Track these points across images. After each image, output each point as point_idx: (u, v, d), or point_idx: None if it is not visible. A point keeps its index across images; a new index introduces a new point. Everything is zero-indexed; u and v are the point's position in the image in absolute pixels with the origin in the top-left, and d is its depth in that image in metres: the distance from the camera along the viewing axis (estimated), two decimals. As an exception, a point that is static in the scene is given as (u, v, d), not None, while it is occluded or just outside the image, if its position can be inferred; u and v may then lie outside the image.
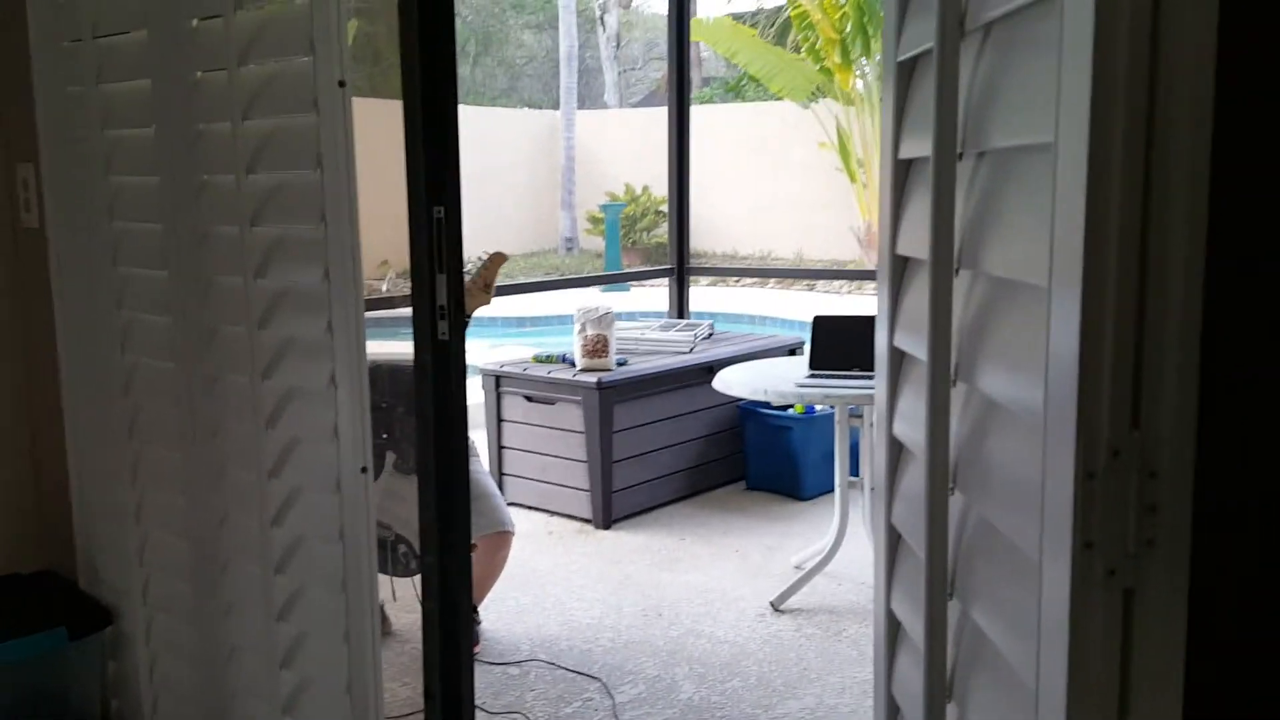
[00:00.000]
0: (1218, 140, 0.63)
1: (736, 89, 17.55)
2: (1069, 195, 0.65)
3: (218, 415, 1.99)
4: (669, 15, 5.87)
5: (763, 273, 14.60)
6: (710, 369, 4.41)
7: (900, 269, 1.04)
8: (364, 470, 1.76)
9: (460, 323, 1.75)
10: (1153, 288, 0.64)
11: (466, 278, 3.20)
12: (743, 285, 14.34)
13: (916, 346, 0.94)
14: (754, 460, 5.06)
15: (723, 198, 14.74)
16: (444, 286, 1.72)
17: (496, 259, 3.27)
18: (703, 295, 12.67)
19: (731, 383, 3.99)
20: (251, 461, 1.92)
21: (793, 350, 5.27)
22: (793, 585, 3.76)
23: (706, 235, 15.11)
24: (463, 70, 22.73)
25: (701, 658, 3.33)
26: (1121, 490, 0.67)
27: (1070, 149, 0.65)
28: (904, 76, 1.01)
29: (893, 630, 1.08)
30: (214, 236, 1.92)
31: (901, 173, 1.02)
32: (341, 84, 1.66)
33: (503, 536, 3.41)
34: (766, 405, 4.80)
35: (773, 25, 16.41)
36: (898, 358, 1.04)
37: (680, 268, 5.86)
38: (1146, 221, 0.64)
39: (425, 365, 1.78)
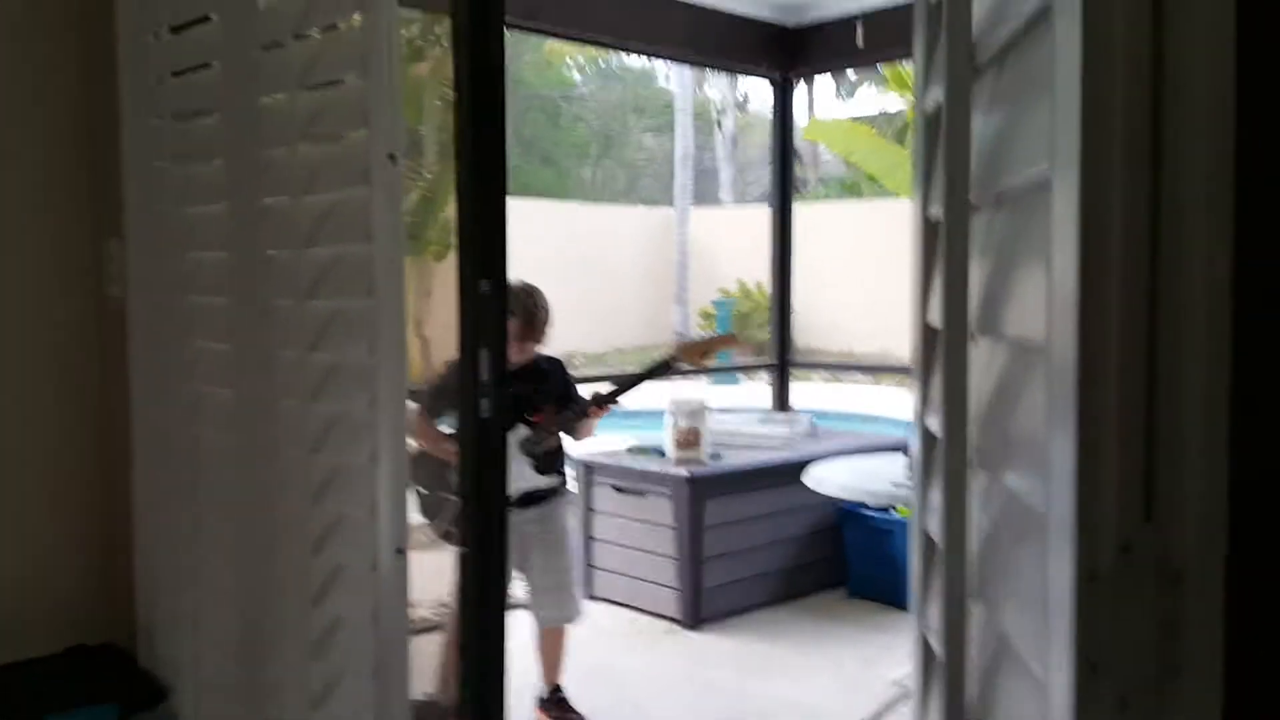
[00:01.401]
0: (1239, 159, 0.52)
1: (853, 187, 17.52)
2: (1063, 236, 0.54)
3: (272, 489, 1.97)
4: (774, 116, 5.89)
5: (860, 368, 14.20)
6: (808, 465, 4.25)
7: (931, 341, 0.92)
8: (399, 552, 1.70)
9: (504, 400, 1.69)
10: (1165, 342, 0.52)
11: (695, 338, 3.48)
12: (857, 382, 14.04)
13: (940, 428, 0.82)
14: (855, 565, 4.81)
15: (838, 294, 14.57)
16: (487, 362, 1.67)
17: (727, 340, 3.55)
18: (815, 392, 12.43)
19: (824, 480, 3.83)
20: (298, 537, 1.88)
21: (898, 449, 5.05)
22: (890, 703, 3.51)
23: (821, 332, 14.92)
24: (584, 171, 23.43)
25: (787, 776, 3.12)
26: (1134, 597, 0.53)
27: (1064, 183, 0.54)
28: (931, 130, 0.91)
29: (927, 758, 0.93)
30: (274, 310, 1.93)
31: (931, 235, 0.92)
32: (391, 157, 1.66)
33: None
34: (867, 505, 4.58)
35: (893, 128, 16.40)
36: (930, 442, 0.92)
37: (781, 361, 5.74)
38: (1155, 264, 0.52)
39: (466, 443, 1.72)
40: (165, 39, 2.17)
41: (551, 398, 3.34)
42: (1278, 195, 0.54)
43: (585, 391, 3.46)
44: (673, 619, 4.41)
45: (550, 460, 3.34)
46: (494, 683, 1.80)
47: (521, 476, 3.27)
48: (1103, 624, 0.53)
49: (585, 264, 15.65)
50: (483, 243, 1.68)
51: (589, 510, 4.70)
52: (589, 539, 4.71)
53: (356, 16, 1.67)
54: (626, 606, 4.58)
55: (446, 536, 3.20)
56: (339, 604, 1.80)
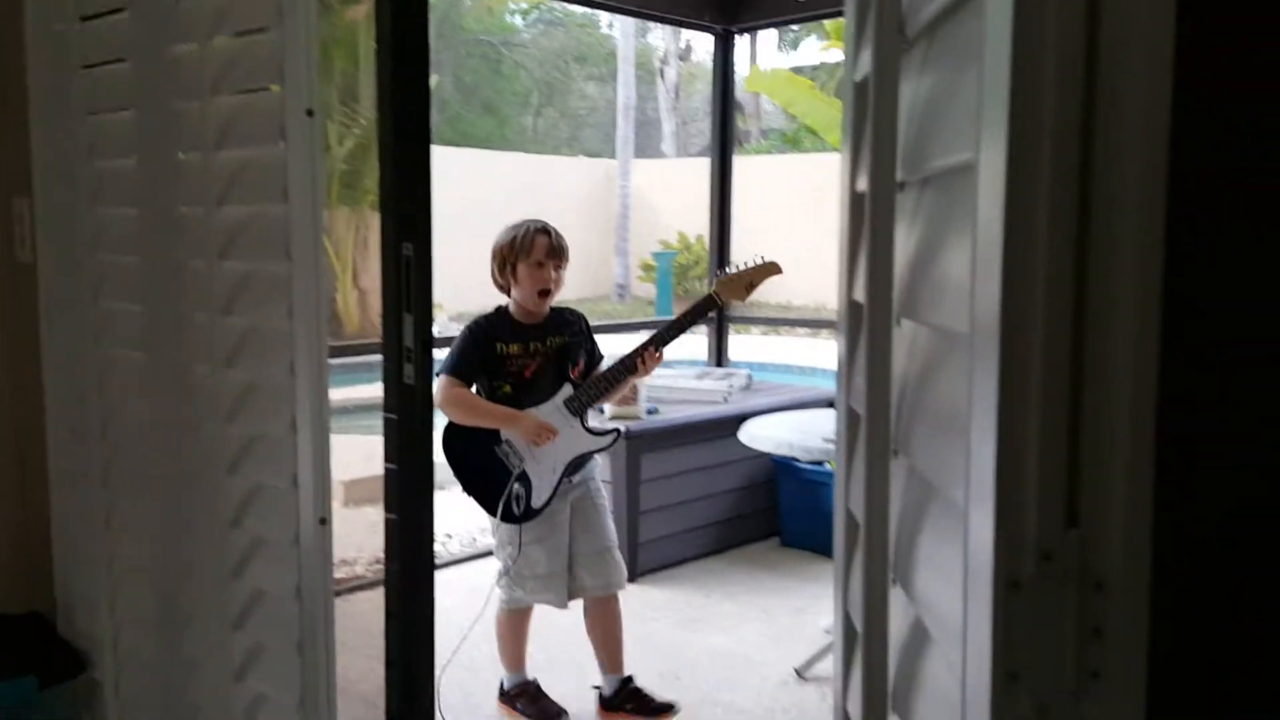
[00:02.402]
0: (1177, 150, 0.49)
1: (794, 141, 17.52)
2: (988, 222, 0.52)
3: (187, 459, 1.90)
4: (714, 66, 5.83)
5: (797, 322, 14.35)
6: (744, 420, 4.26)
7: (857, 317, 0.90)
8: (323, 522, 1.65)
9: (429, 365, 1.64)
10: (1092, 342, 0.50)
11: (733, 270, 3.22)
12: (797, 335, 14.15)
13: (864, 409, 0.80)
14: (788, 516, 4.87)
15: (778, 248, 14.61)
16: (411, 328, 1.61)
17: (771, 268, 3.26)
18: (753, 345, 12.50)
19: (758, 436, 3.84)
20: (215, 509, 1.82)
21: (832, 403, 5.09)
22: (820, 651, 3.56)
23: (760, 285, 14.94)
24: (525, 120, 23.11)
25: (717, 728, 3.15)
26: (1055, 605, 0.52)
27: (990, 166, 0.52)
28: (860, 99, 0.88)
29: (849, 736, 0.93)
30: (187, 271, 1.85)
31: (857, 208, 0.89)
32: (310, 113, 1.58)
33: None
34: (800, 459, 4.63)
35: (833, 79, 16.38)
36: (855, 421, 0.90)
37: (719, 316, 5.73)
38: (1084, 255, 0.50)
39: (391, 410, 1.67)
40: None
41: (582, 351, 3.04)
42: (1212, 184, 0.52)
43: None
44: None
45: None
46: (422, 651, 1.77)
47: (575, 440, 2.96)
48: (1022, 633, 0.52)
49: (528, 215, 15.49)
50: (406, 203, 1.62)
51: (526, 467, 4.67)
52: (526, 495, 4.69)
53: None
54: (564, 562, 4.58)
55: (512, 518, 2.91)
56: (260, 576, 1.75)
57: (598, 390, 2.99)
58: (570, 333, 3.04)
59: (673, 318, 3.12)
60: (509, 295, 3.01)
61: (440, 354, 2.81)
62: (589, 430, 3.00)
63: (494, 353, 2.93)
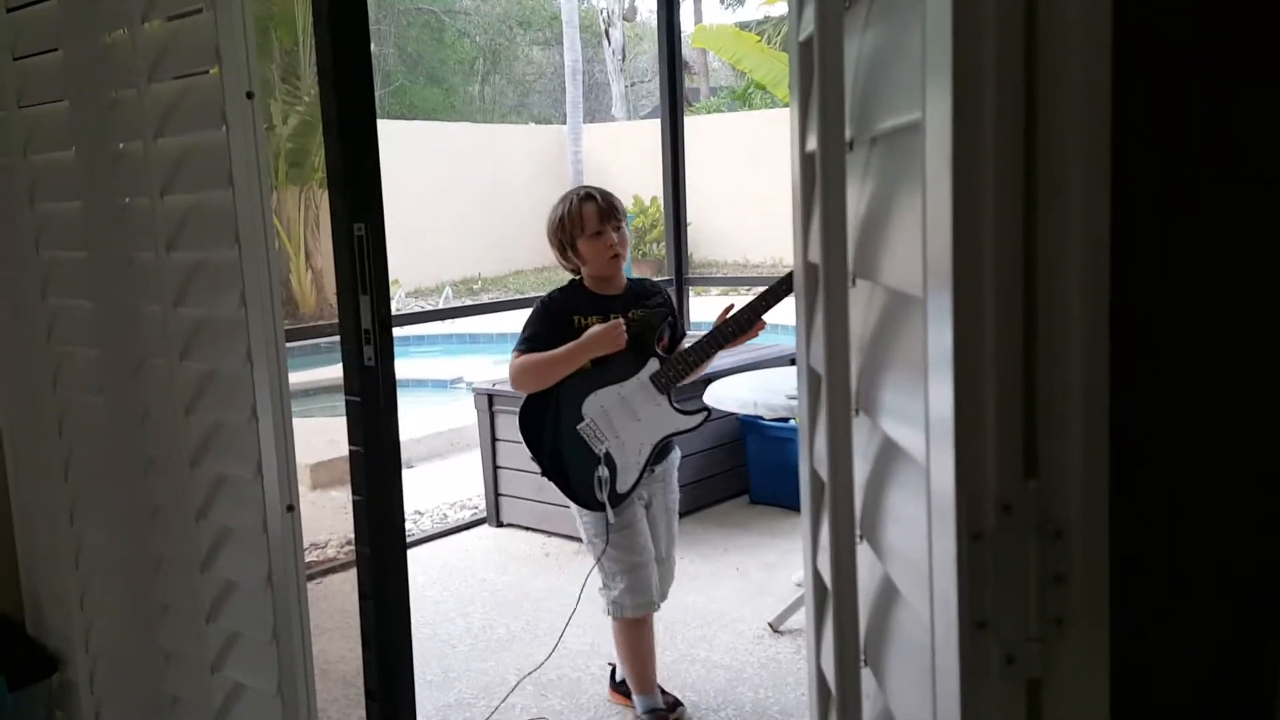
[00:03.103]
0: (1119, 109, 0.50)
1: (744, 97, 17.44)
2: (936, 178, 0.52)
3: (148, 453, 1.88)
4: (658, 25, 5.77)
5: (757, 280, 14.36)
6: (707, 381, 4.28)
7: (813, 278, 0.90)
8: (290, 509, 1.64)
9: (389, 345, 1.63)
10: (1045, 291, 0.51)
11: None
12: (756, 293, 14.18)
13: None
14: (757, 473, 4.92)
15: (733, 206, 14.61)
16: (368, 309, 1.60)
17: None
18: (713, 305, 12.52)
19: (723, 397, 3.86)
20: (180, 501, 1.80)
21: (793, 360, 5.12)
22: (792, 605, 3.61)
23: (718, 245, 14.99)
24: (472, 88, 22.81)
25: (695, 684, 3.19)
26: (1018, 555, 0.53)
27: (936, 125, 0.52)
28: (806, 59, 0.88)
29: (824, 689, 0.94)
30: (135, 263, 1.82)
31: (809, 169, 0.89)
32: (250, 95, 1.55)
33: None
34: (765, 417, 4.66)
35: (779, 33, 16.30)
36: (815, 381, 0.91)
37: (679, 278, 5.73)
38: (1032, 207, 0.50)
39: (353, 393, 1.66)
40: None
41: (666, 324, 2.81)
42: (1155, 128, 0.53)
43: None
44: (581, 540, 4.44)
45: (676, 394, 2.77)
46: (398, 630, 1.77)
47: (662, 419, 2.73)
48: (987, 583, 0.53)
49: (479, 185, 15.33)
50: (355, 182, 1.59)
51: (494, 440, 4.67)
52: (496, 468, 4.69)
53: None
54: (536, 531, 4.60)
55: (597, 503, 2.71)
56: (230, 567, 1.74)
57: (687, 364, 2.75)
58: (653, 304, 2.82)
59: (765, 288, 2.86)
60: (580, 275, 2.83)
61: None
62: (677, 409, 2.76)
63: (571, 326, 2.72)
